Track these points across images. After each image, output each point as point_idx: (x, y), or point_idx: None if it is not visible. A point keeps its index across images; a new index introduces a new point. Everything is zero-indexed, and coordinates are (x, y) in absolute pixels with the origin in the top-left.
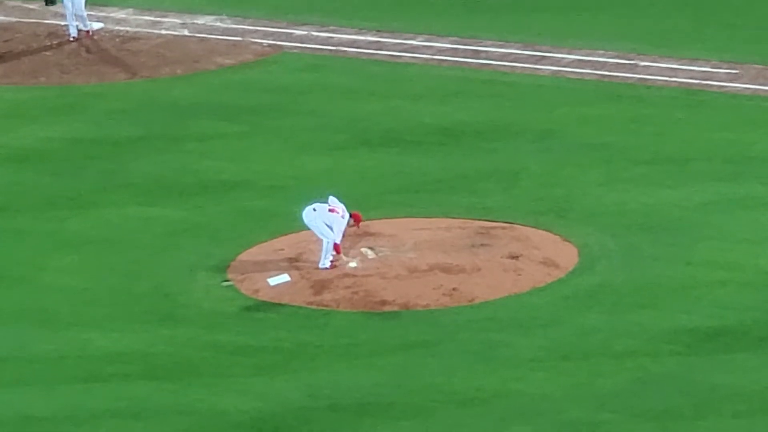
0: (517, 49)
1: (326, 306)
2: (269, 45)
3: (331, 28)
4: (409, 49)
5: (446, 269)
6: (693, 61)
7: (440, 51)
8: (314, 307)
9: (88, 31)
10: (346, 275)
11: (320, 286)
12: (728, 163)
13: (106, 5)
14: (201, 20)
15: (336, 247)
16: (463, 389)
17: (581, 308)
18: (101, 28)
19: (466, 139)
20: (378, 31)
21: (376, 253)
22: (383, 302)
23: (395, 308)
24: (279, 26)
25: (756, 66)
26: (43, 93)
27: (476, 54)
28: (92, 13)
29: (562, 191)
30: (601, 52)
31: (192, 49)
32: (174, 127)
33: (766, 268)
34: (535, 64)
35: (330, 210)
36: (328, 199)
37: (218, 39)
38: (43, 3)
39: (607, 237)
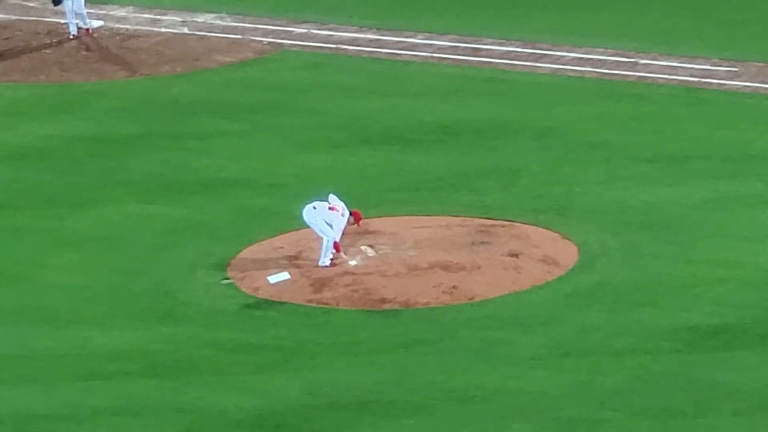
0: (517, 47)
1: (326, 304)
2: (269, 43)
3: (331, 26)
4: (409, 47)
5: (446, 267)
6: (693, 58)
7: (440, 49)
8: (314, 305)
9: (88, 29)
10: (346, 273)
11: (320, 284)
12: (728, 161)
13: (106, 3)
14: (201, 18)
15: (336, 245)
16: (463, 387)
17: (581, 306)
18: (101, 26)
19: (466, 137)
20: (378, 29)
21: (377, 251)
22: (383, 300)
23: (395, 306)
24: (279, 24)
25: (756, 64)
26: (43, 91)
27: (476, 52)
28: (92, 11)
29: (562, 189)
30: (601, 50)
31: (192, 47)
32: (174, 125)
33: (766, 266)
34: (535, 62)
35: (330, 208)
36: (328, 197)
37: (218, 37)
38: (48, 2)
39: (607, 235)
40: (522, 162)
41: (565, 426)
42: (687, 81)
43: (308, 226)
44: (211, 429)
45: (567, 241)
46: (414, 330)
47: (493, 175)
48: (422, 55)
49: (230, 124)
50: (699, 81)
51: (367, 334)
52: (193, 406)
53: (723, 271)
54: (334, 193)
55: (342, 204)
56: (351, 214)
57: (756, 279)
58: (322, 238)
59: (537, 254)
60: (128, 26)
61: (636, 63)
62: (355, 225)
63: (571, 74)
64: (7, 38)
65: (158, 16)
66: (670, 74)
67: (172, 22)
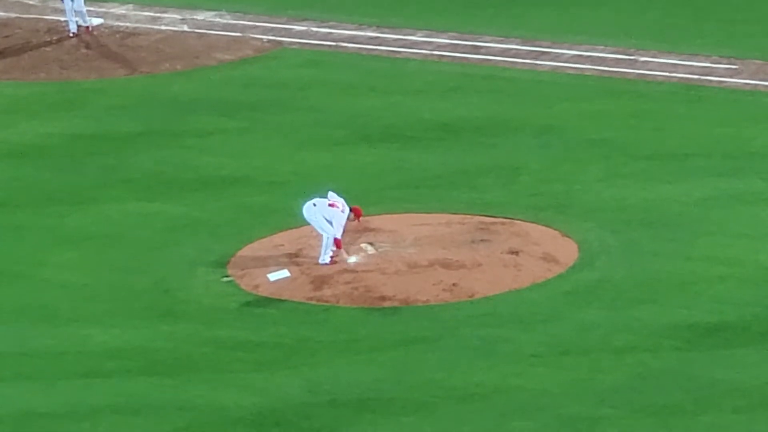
0: (517, 44)
1: (326, 301)
2: (269, 41)
3: (331, 23)
4: (408, 44)
5: (446, 265)
6: (693, 56)
7: (440, 46)
8: (314, 302)
9: (87, 27)
10: (346, 271)
11: (320, 282)
12: (728, 159)
13: (105, 1)
14: (201, 16)
15: (336, 242)
16: (463, 385)
17: (581, 304)
18: (101, 24)
19: (466, 134)
20: (378, 26)
21: (376, 249)
22: (383, 298)
23: (395, 304)
24: (279, 22)
25: (756, 61)
26: (42, 89)
27: (476, 49)
28: (92, 8)
29: (561, 187)
30: (601, 47)
31: (192, 44)
32: (174, 123)
33: (765, 264)
34: (535, 59)
35: (330, 205)
36: (327, 194)
37: (218, 35)
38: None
39: (606, 232)
40: (522, 159)
41: (565, 423)
42: (687, 78)
43: (308, 223)
44: (211, 427)
45: (567, 238)
46: (414, 327)
47: (493, 173)
48: (422, 53)
49: (230, 122)
50: (699, 78)
51: (367, 331)
52: (193, 403)
53: (723, 268)
54: (333, 191)
55: (342, 201)
56: (351, 210)
57: (756, 276)
58: (322, 236)
59: (537, 252)
60: (128, 24)
61: (636, 60)
62: (356, 221)
63: (570, 72)
64: (7, 36)
65: (158, 14)
66: (669, 72)
67: (171, 20)
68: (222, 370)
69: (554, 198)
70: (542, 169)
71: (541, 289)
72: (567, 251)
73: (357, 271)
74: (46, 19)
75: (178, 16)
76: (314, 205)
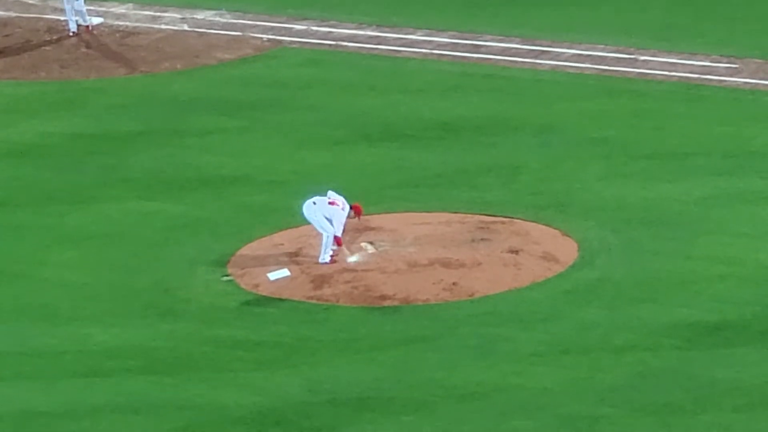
0: (517, 43)
1: (326, 301)
2: (269, 40)
3: (331, 22)
4: (408, 43)
5: (446, 264)
6: (693, 55)
7: (440, 45)
8: (314, 301)
9: (87, 26)
10: (346, 270)
11: (320, 281)
12: (728, 158)
13: (105, 0)
14: (201, 15)
15: (337, 239)
16: (463, 384)
17: (581, 303)
18: (101, 23)
19: (466, 133)
20: (378, 25)
21: (376, 248)
22: (383, 297)
23: (395, 303)
24: (279, 21)
25: (756, 60)
26: (42, 88)
27: (476, 48)
28: (92, 8)
29: (561, 186)
30: (601, 46)
31: (192, 44)
32: (174, 122)
33: (765, 263)
34: (535, 58)
35: (330, 203)
36: (327, 194)
37: (218, 34)
38: None
39: (606, 231)
40: (522, 159)
41: (565, 422)
42: (687, 77)
43: (308, 222)
44: (211, 426)
45: (567, 237)
46: (414, 327)
47: (493, 172)
48: (422, 52)
49: (230, 121)
50: (699, 77)
51: (367, 330)
52: (193, 403)
53: (723, 267)
54: (333, 190)
55: (342, 198)
56: (351, 207)
57: (756, 275)
58: (321, 235)
59: (537, 251)
60: (128, 23)
61: (636, 59)
62: (357, 219)
63: (570, 71)
64: (7, 35)
65: (158, 13)
66: (669, 71)
67: (171, 19)
68: (222, 369)
69: (554, 197)
70: (542, 168)
71: (541, 288)
72: (567, 250)
73: (357, 270)
74: (46, 19)
75: (178, 15)
76: (314, 203)
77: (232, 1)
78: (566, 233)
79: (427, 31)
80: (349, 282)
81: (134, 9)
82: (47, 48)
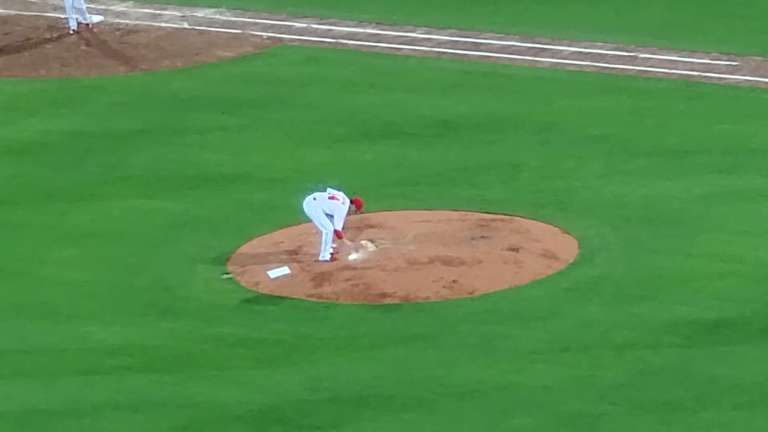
0: (517, 41)
1: (326, 298)
2: (269, 37)
3: (331, 20)
4: (408, 41)
5: (446, 261)
6: (693, 52)
7: (440, 43)
8: (314, 299)
9: (87, 24)
10: (347, 268)
11: (320, 279)
12: (728, 155)
13: None
14: (201, 13)
15: (337, 233)
16: (463, 382)
17: (581, 300)
18: (101, 21)
19: (466, 131)
20: (378, 23)
21: (377, 246)
22: (383, 295)
23: (395, 301)
24: (279, 19)
25: (756, 58)
26: (43, 86)
27: (476, 46)
28: (92, 6)
29: (562, 183)
30: (601, 44)
31: (192, 41)
32: (174, 120)
33: (765, 261)
34: (535, 56)
35: (330, 198)
36: (326, 191)
37: (218, 31)
38: None
39: (607, 229)
40: (522, 156)
41: (565, 420)
42: (687, 75)
43: (309, 219)
44: (211, 424)
45: (567, 235)
46: (414, 324)
47: (493, 170)
48: (422, 50)
49: (230, 119)
50: (699, 75)
51: (368, 328)
52: (194, 400)
53: (723, 265)
54: (332, 188)
55: (342, 193)
56: (352, 202)
57: (756, 273)
58: (321, 232)
59: (537, 248)
60: (128, 21)
61: (636, 57)
62: (358, 212)
63: (570, 68)
64: (7, 33)
65: (158, 11)
66: (670, 68)
67: (171, 17)
68: (222, 367)
69: (554, 195)
70: (542, 166)
71: (541, 286)
72: (567, 248)
73: (357, 268)
74: (46, 17)
75: (178, 13)
76: (314, 199)
77: None
78: (566, 231)
79: (427, 28)
80: (349, 280)
81: (134, 7)
82: (47, 46)
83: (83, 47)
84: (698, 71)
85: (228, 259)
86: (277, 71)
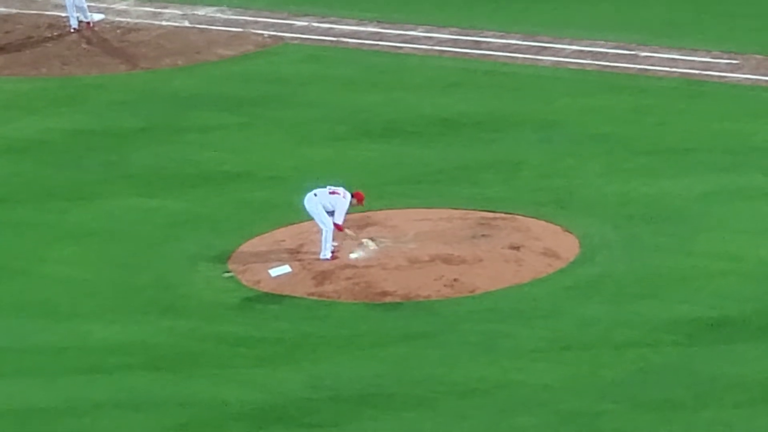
0: (518, 39)
1: (328, 297)
2: (270, 36)
3: (332, 19)
4: (409, 40)
5: (447, 260)
6: (694, 51)
7: (441, 42)
8: (315, 298)
9: (88, 23)
10: (348, 266)
11: (321, 277)
12: (729, 154)
13: None
14: (202, 11)
15: (337, 226)
16: (464, 380)
17: (582, 299)
18: (102, 20)
19: (467, 129)
20: (379, 22)
21: (377, 244)
22: (384, 293)
23: (396, 299)
24: (280, 17)
25: (757, 56)
26: (44, 84)
27: (477, 45)
28: (93, 4)
29: (563, 182)
30: (602, 42)
31: (193, 40)
32: (175, 119)
33: (766, 259)
34: (536, 54)
35: (331, 193)
36: (326, 187)
37: (219, 30)
38: None
39: (608, 227)
40: (523, 155)
41: (566, 419)
42: (688, 73)
43: (310, 216)
44: (212, 422)
45: (568, 233)
46: (415, 323)
47: (494, 168)
48: (423, 48)
49: (231, 118)
50: (700, 73)
51: (369, 327)
52: (195, 399)
53: (724, 263)
54: (331, 185)
55: (342, 188)
56: (353, 195)
57: (757, 272)
58: (321, 231)
59: (538, 247)
60: (129, 19)
61: (637, 55)
62: (360, 206)
63: (571, 67)
64: (8, 31)
65: (159, 10)
66: (670, 66)
67: (172, 15)
68: (223, 366)
69: (555, 193)
70: (543, 164)
71: (542, 285)
72: (568, 246)
73: (358, 267)
74: (47, 15)
75: (179, 12)
76: (315, 195)
77: None
78: (567, 229)
79: (428, 27)
80: (350, 278)
81: (135, 5)
82: (48, 44)
83: (84, 45)
84: (699, 70)
85: (229, 258)
86: (278, 70)
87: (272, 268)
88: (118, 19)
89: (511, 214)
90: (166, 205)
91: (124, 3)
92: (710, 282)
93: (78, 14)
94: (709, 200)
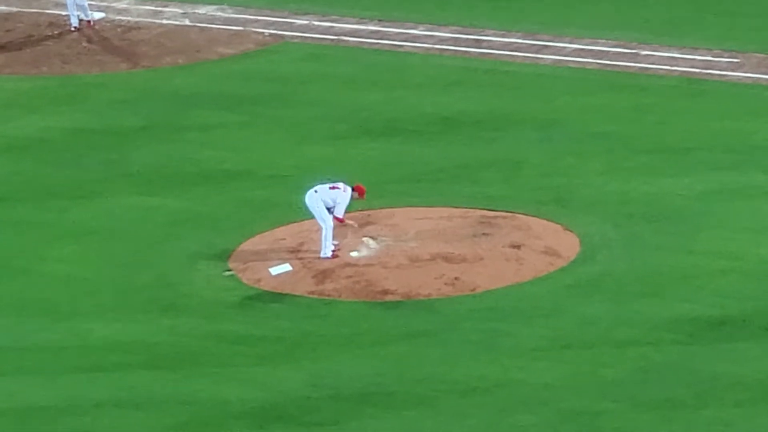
0: (519, 38)
1: (328, 295)
2: (270, 34)
3: (333, 17)
4: (410, 38)
5: (448, 258)
6: (694, 49)
7: (441, 40)
8: (316, 296)
9: (89, 21)
10: (348, 265)
11: (322, 276)
12: (730, 152)
13: None
14: (202, 10)
15: (338, 219)
16: (464, 378)
17: (583, 297)
18: (102, 18)
19: (468, 128)
20: (379, 20)
21: (378, 243)
22: (385, 292)
23: (397, 298)
24: (280, 16)
25: (757, 55)
26: (44, 83)
27: (477, 43)
28: (93, 2)
29: (563, 180)
30: (603, 41)
31: (193, 38)
32: (175, 117)
33: (767, 258)
34: (537, 53)
35: (331, 188)
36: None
37: (219, 28)
38: None
39: (608, 226)
40: (523, 153)
41: (567, 417)
42: (688, 72)
43: (311, 213)
44: (212, 421)
45: (569, 232)
46: (416, 321)
47: (495, 167)
48: (423, 47)
49: (231, 116)
50: (700, 72)
51: (369, 325)
52: (195, 397)
53: (725, 262)
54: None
55: (342, 183)
56: (353, 189)
57: (758, 270)
58: (321, 230)
59: (539, 245)
60: (129, 18)
61: (637, 54)
62: (361, 199)
63: (572, 65)
64: (8, 30)
65: (159, 8)
66: (671, 65)
67: (173, 14)
68: (224, 364)
69: (556, 192)
70: (544, 163)
71: (543, 283)
72: (569, 245)
73: (359, 265)
74: (48, 13)
75: (180, 10)
76: (315, 191)
77: None
78: (568, 228)
79: (429, 25)
80: (350, 277)
81: (136, 4)
82: (49, 43)
83: (85, 44)
84: (700, 68)
85: (229, 256)
86: (279, 68)
87: (273, 266)
88: (118, 17)
89: (511, 212)
90: (166, 203)
91: (125, 1)
92: (711, 281)
93: (78, 13)
94: (710, 199)
